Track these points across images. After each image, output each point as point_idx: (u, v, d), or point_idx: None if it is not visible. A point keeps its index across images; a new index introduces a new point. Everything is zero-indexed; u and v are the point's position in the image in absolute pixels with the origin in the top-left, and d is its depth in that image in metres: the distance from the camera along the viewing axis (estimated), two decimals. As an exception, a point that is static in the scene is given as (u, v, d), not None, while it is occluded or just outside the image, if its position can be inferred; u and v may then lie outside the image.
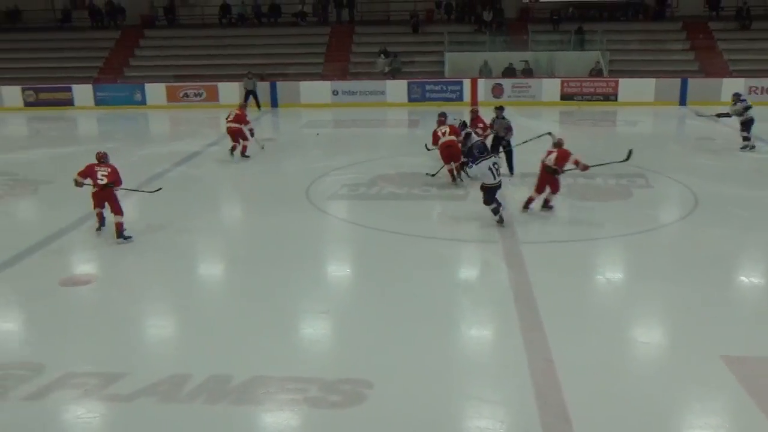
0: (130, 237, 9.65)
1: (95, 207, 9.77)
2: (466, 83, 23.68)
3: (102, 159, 9.80)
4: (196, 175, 14.16)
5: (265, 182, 13.45)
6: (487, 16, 26.64)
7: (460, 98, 23.48)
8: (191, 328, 7.15)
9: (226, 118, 15.06)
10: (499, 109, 12.98)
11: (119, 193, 9.82)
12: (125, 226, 9.66)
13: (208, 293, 8.31)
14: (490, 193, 9.80)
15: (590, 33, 25.49)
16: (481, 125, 13.50)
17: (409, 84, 23.95)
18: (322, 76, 25.14)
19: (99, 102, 24.83)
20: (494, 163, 9.86)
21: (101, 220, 9.89)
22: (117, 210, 9.62)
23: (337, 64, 25.73)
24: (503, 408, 5.56)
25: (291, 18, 28.10)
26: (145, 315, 7.55)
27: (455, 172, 12.29)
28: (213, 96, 23.53)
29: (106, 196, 9.60)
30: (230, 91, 23.72)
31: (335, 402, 5.58)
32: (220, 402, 5.60)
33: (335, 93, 24.14)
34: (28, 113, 24.16)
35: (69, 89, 24.91)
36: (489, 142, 12.60)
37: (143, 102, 24.71)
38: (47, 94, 24.88)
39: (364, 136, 18.65)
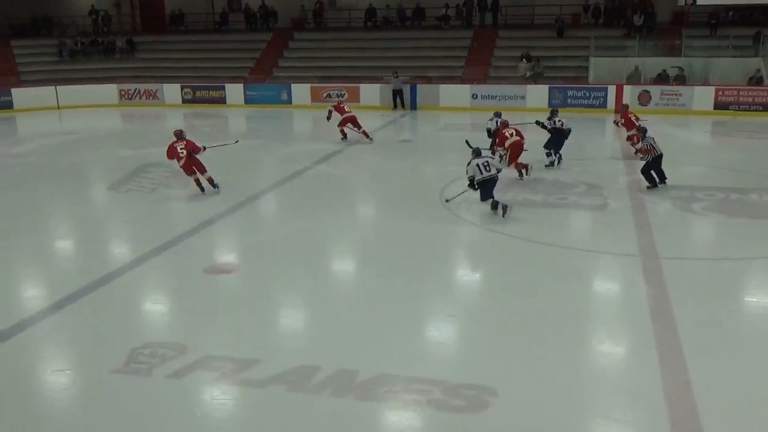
0: (217, 186, 12.10)
1: (189, 175, 11.97)
2: (611, 89, 22.79)
3: (179, 135, 11.93)
4: (334, 173, 14.60)
5: (400, 183, 13.60)
6: (637, 20, 25.57)
7: (603, 105, 22.70)
8: (322, 322, 7.36)
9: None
10: (643, 130, 12.41)
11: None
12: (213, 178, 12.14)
13: (340, 289, 8.54)
14: (485, 189, 10.45)
15: (752, 38, 23.79)
16: (630, 116, 14.70)
17: (550, 89, 23.39)
18: (462, 80, 25.11)
19: (248, 101, 26.14)
20: (483, 162, 10.41)
21: (200, 185, 12.02)
22: (203, 169, 11.93)
23: (478, 68, 25.61)
24: (633, 430, 5.33)
25: (434, 21, 28.28)
26: (280, 306, 7.87)
27: (525, 171, 12.86)
28: (354, 97, 24.04)
29: (193, 162, 11.79)
30: (372, 93, 24.31)
31: (458, 406, 5.56)
32: (345, 396, 5.73)
33: (474, 97, 24.01)
34: (185, 109, 25.82)
35: (222, 88, 26.44)
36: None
37: (289, 101, 25.75)
38: (203, 92, 26.55)
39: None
